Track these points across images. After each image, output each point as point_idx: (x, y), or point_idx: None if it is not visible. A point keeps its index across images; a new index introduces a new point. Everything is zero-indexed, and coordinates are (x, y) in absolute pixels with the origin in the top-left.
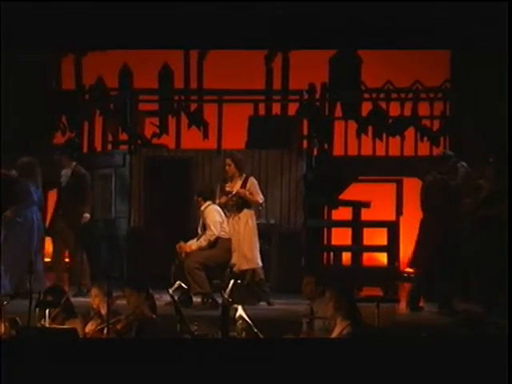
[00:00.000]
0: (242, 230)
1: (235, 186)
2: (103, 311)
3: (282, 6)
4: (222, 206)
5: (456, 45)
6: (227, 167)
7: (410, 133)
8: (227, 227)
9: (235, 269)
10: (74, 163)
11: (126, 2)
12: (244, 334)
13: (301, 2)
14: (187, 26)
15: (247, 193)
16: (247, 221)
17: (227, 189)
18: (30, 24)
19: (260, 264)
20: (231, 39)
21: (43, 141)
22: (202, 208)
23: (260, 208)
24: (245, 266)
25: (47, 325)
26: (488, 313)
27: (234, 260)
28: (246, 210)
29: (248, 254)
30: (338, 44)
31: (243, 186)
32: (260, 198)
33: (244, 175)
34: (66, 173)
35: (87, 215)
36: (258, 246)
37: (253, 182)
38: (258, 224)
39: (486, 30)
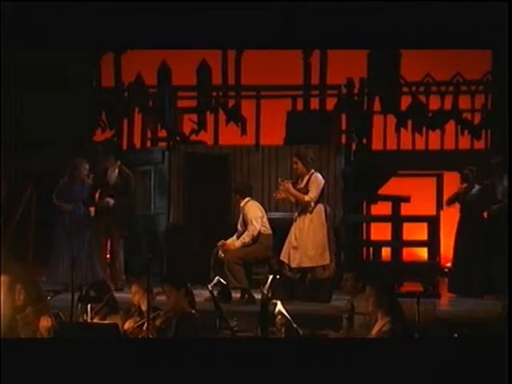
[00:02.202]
0: (306, 228)
1: (303, 184)
2: (144, 307)
3: (324, 7)
4: (295, 205)
5: (455, 44)
6: (295, 165)
7: (450, 126)
8: (267, 222)
9: (295, 265)
10: (119, 162)
11: (161, 2)
12: (283, 329)
13: (340, 1)
14: (223, 26)
15: (291, 188)
16: (312, 218)
17: (298, 187)
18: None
19: (326, 262)
20: (268, 39)
21: (84, 138)
22: (242, 204)
23: (309, 208)
24: (306, 264)
25: (89, 320)
26: None
27: (296, 257)
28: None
29: (310, 251)
30: (376, 45)
31: (307, 182)
32: (307, 197)
33: (312, 171)
34: (111, 172)
35: (110, 200)
36: (324, 243)
37: (314, 178)
38: None
39: (486, 30)
